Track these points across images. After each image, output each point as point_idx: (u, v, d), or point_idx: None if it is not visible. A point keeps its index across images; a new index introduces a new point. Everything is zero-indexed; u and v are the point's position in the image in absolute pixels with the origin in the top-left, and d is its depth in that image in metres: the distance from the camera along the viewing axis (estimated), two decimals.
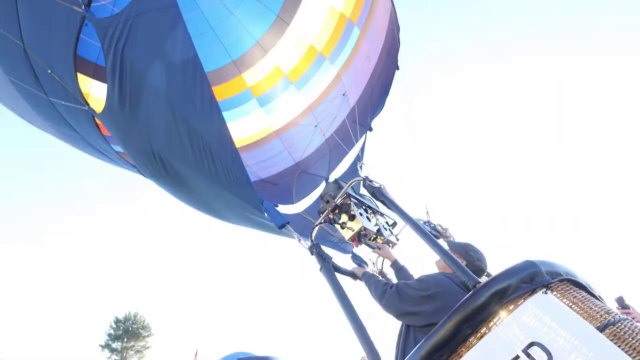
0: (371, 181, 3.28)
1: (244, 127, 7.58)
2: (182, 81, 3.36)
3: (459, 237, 3.61)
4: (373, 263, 3.89)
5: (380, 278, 3.14)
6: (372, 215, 3.44)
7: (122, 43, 3.25)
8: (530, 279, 1.92)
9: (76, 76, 3.61)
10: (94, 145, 4.27)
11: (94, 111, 3.61)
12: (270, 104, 7.68)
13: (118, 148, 4.17)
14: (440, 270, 2.82)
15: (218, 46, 7.33)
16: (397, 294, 2.52)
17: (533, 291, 1.89)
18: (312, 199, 6.00)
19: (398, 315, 2.52)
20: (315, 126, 6.95)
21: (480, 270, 2.83)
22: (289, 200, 5.87)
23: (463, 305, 1.94)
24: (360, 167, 3.63)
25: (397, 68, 5.98)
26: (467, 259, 2.75)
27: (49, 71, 3.46)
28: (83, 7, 3.28)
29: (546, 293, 1.87)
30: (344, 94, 6.54)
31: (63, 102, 3.60)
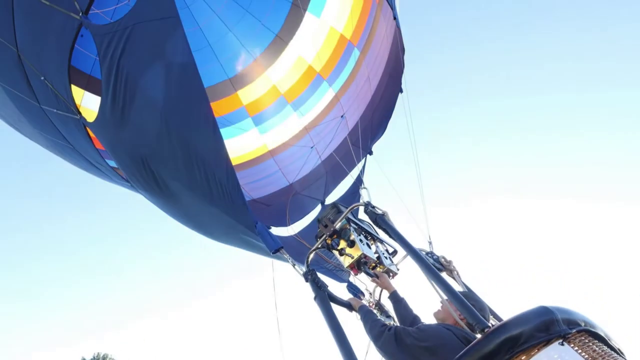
0: (374, 207, 3.25)
1: (237, 145, 7.62)
2: (178, 94, 3.38)
3: (463, 272, 3.57)
4: (370, 293, 3.83)
5: (378, 316, 3.08)
6: (372, 242, 3.41)
7: (119, 51, 3.26)
8: (545, 328, 1.79)
9: (70, 84, 3.62)
10: (85, 157, 4.24)
11: (85, 120, 3.61)
12: (265, 123, 7.76)
13: (112, 163, 4.15)
14: (439, 321, 2.71)
15: (214, 63, 7.46)
16: (394, 339, 2.40)
17: (548, 341, 1.77)
18: (307, 221, 5.97)
19: None
20: (312, 147, 7.01)
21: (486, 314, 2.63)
22: (282, 223, 5.84)
23: (470, 351, 1.83)
24: (362, 191, 3.61)
25: (401, 91, 6.09)
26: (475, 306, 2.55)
27: (42, 78, 3.48)
28: (80, 14, 3.33)
29: (563, 344, 1.77)
30: (342, 116, 6.64)
31: (55, 111, 3.60)
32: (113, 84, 3.29)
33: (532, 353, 1.75)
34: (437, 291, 2.51)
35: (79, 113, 3.64)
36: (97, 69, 5.36)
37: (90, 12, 3.54)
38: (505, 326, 1.85)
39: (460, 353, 1.85)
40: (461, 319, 2.38)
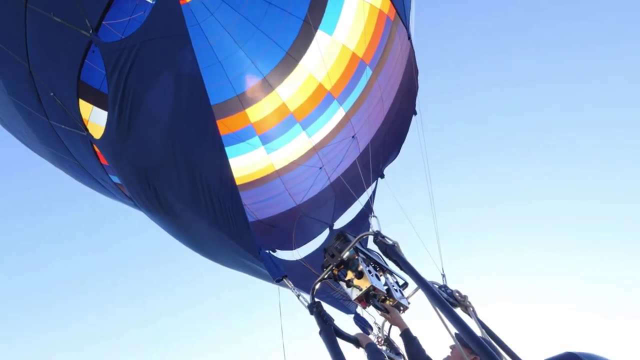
0: (384, 237, 3.21)
1: (243, 164, 7.72)
2: (185, 113, 3.48)
3: (479, 307, 3.47)
4: (379, 328, 3.78)
5: (387, 356, 3.03)
6: (381, 273, 3.37)
7: (127, 69, 3.38)
8: None
9: (78, 101, 3.76)
10: (90, 173, 4.35)
11: (92, 137, 3.73)
12: (272, 142, 7.86)
13: (116, 179, 4.24)
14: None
15: (224, 80, 7.64)
16: None
17: None
18: (314, 246, 5.98)
19: None
20: (320, 168, 7.07)
21: None
22: (288, 246, 5.86)
23: None
24: (371, 220, 3.59)
25: (415, 113, 6.12)
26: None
27: (52, 94, 3.62)
28: (91, 31, 3.48)
29: None
30: (353, 136, 6.71)
31: (63, 126, 3.73)
32: (120, 101, 3.40)
33: None
34: (448, 330, 2.45)
35: (86, 129, 3.77)
36: (106, 85, 5.54)
37: (101, 27, 3.69)
38: None
39: None
40: None
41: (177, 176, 3.42)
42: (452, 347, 2.81)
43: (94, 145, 3.94)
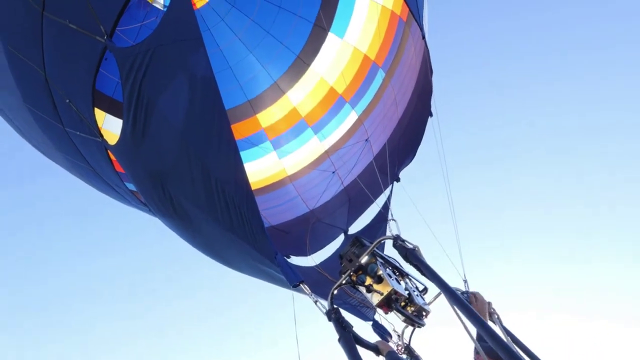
0: (403, 241, 3.15)
1: (255, 170, 7.74)
2: (200, 116, 3.51)
3: (504, 315, 3.38)
4: (398, 335, 3.73)
5: None
6: (401, 278, 3.33)
7: (142, 74, 3.42)
8: None
9: (93, 107, 3.82)
10: (105, 180, 4.41)
11: (107, 143, 3.78)
12: (284, 147, 7.89)
13: (131, 186, 4.29)
14: None
15: (234, 85, 7.70)
16: None
17: None
18: (329, 252, 5.95)
19: None
20: (333, 172, 7.07)
21: None
22: (302, 252, 5.85)
23: None
24: (390, 224, 3.54)
25: (431, 115, 6.07)
26: None
27: (68, 101, 3.68)
28: (105, 37, 3.54)
29: None
30: (366, 140, 6.69)
31: (78, 133, 3.79)
32: (134, 107, 3.44)
33: None
34: (471, 337, 2.39)
35: (101, 136, 3.82)
36: (119, 92, 5.62)
37: (116, 32, 3.75)
38: None
39: None
40: None
41: (191, 181, 3.45)
42: (476, 356, 2.75)
43: (109, 152, 3.99)
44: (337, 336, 2.81)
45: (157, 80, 3.43)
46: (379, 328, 4.09)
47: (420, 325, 3.25)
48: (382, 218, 5.96)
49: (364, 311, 4.52)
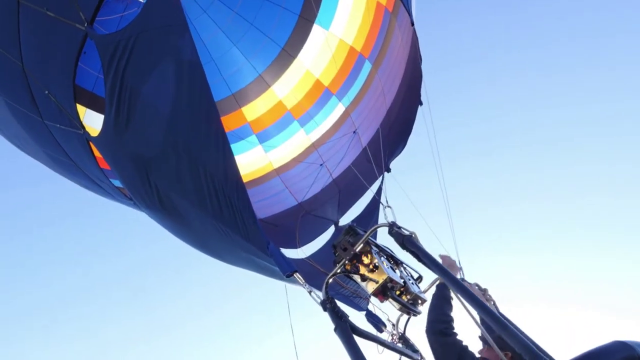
0: (399, 228, 3.11)
1: (240, 164, 7.65)
2: (187, 103, 3.41)
3: (500, 302, 3.37)
4: (393, 325, 3.73)
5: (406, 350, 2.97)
6: (395, 266, 3.28)
7: (124, 61, 3.30)
8: None
9: (74, 98, 3.70)
10: (87, 174, 4.28)
11: (89, 135, 3.67)
12: (270, 141, 7.83)
13: (117, 183, 4.17)
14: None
15: (218, 78, 7.60)
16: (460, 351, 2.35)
17: None
18: (319, 244, 5.92)
19: None
20: (321, 165, 7.04)
21: None
22: (292, 244, 5.81)
23: None
24: (386, 211, 3.51)
25: (421, 103, 6.07)
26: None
27: (46, 92, 3.56)
28: (85, 24, 3.41)
29: None
30: (354, 132, 6.68)
31: (58, 126, 3.67)
32: (117, 96, 3.33)
33: None
34: (474, 320, 2.39)
35: (83, 128, 3.71)
36: (99, 87, 5.47)
37: (96, 21, 3.63)
38: None
39: None
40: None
41: (178, 171, 3.36)
42: (485, 347, 2.74)
43: (92, 146, 3.87)
44: (332, 326, 2.75)
45: (140, 68, 3.32)
46: (372, 318, 4.08)
47: (416, 313, 3.24)
48: (373, 208, 5.95)
49: (356, 302, 4.51)
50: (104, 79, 3.41)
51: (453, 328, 2.58)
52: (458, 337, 2.57)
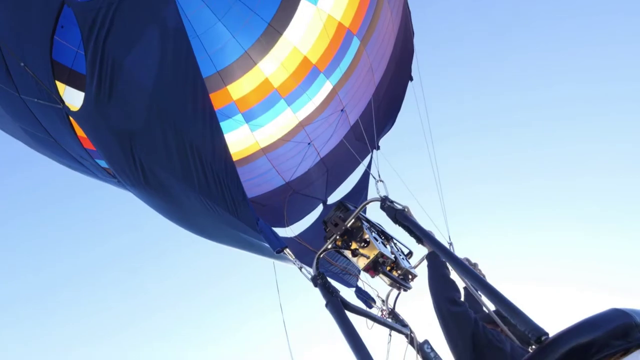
0: (392, 202, 3.12)
1: (227, 142, 7.53)
2: (172, 74, 3.28)
3: (490, 276, 3.40)
4: (382, 300, 3.76)
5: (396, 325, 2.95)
6: (386, 242, 3.32)
7: (105, 31, 3.14)
8: (623, 334, 1.62)
9: (52, 69, 3.53)
10: (69, 152, 4.13)
11: (69, 109, 3.52)
12: (256, 120, 7.71)
13: (103, 163, 4.04)
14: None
15: (203, 55, 7.39)
16: (472, 322, 2.35)
17: (627, 351, 1.60)
18: (307, 223, 5.90)
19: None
20: (309, 144, 6.97)
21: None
22: (280, 223, 5.77)
23: None
24: (378, 185, 3.48)
25: (411, 79, 5.99)
26: None
27: (22, 64, 3.39)
28: None
29: None
30: (342, 110, 6.60)
31: (36, 100, 3.50)
32: (99, 67, 3.18)
33: None
34: (470, 289, 2.40)
35: (62, 102, 3.56)
36: (79, 63, 5.25)
37: None
38: (571, 332, 1.69)
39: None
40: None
41: (163, 145, 3.25)
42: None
43: (73, 123, 3.72)
44: (324, 302, 2.75)
45: (123, 37, 3.17)
46: (362, 294, 4.10)
47: (407, 288, 3.26)
48: (362, 187, 5.93)
49: (346, 278, 4.52)
50: (84, 49, 3.26)
51: (461, 294, 2.58)
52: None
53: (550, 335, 1.81)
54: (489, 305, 2.72)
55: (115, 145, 3.44)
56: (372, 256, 2.98)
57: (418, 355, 3.10)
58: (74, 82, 5.20)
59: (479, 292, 2.56)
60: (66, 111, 3.53)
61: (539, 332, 1.86)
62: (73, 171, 4.88)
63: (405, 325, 3.43)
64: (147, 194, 3.78)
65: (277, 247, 3.11)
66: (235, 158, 7.55)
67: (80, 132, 3.90)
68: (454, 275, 2.70)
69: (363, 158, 5.96)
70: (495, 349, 2.31)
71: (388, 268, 3.14)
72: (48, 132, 3.91)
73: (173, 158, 3.29)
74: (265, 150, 7.59)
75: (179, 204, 3.66)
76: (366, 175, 5.96)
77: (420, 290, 3.30)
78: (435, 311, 2.57)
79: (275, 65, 7.39)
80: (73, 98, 4.87)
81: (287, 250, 3.14)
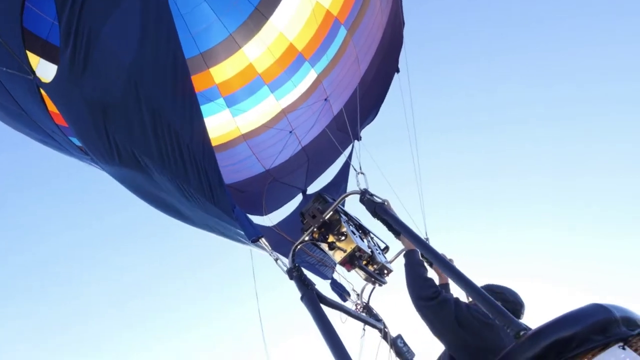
0: (371, 195, 3.09)
1: (207, 127, 7.37)
2: (152, 55, 3.15)
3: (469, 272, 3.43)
4: (357, 294, 3.75)
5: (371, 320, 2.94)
6: (364, 236, 3.30)
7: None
8: (602, 329, 1.65)
9: (22, 41, 3.34)
10: (40, 126, 3.92)
11: (40, 81, 3.34)
12: (238, 105, 7.57)
13: (76, 141, 3.85)
14: None
15: (186, 35, 7.18)
16: (453, 308, 2.39)
17: (606, 345, 1.62)
18: (286, 212, 5.83)
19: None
20: (290, 132, 6.89)
21: (518, 306, 2.67)
22: (258, 211, 5.69)
23: (512, 356, 1.70)
24: (358, 177, 3.44)
25: (397, 70, 5.96)
26: (499, 298, 2.39)
27: None
28: None
29: (624, 348, 1.60)
30: (325, 99, 6.54)
31: (5, 69, 3.30)
32: (73, 37, 3.01)
33: (586, 359, 1.62)
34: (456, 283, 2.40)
35: (33, 73, 3.37)
36: (54, 34, 5.00)
37: None
38: (551, 327, 1.71)
39: (503, 354, 1.75)
40: None
41: (140, 123, 3.10)
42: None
43: (45, 98, 3.53)
44: (299, 295, 2.72)
45: (100, 6, 3.01)
46: (337, 287, 4.08)
47: (382, 283, 3.24)
48: (342, 179, 5.90)
49: (322, 270, 4.49)
50: (57, 18, 3.08)
51: (437, 288, 2.59)
52: (445, 293, 2.58)
53: (531, 329, 1.81)
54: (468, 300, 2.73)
55: (88, 121, 3.28)
56: (349, 250, 2.95)
57: (391, 350, 3.11)
58: (49, 54, 4.96)
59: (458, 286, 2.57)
60: (37, 82, 3.34)
61: (518, 327, 1.87)
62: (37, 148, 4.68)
63: (379, 320, 3.43)
64: (120, 173, 3.64)
65: (252, 236, 3.04)
66: (215, 143, 7.39)
67: (52, 107, 3.72)
68: (431, 271, 2.71)
69: (344, 149, 5.92)
70: (483, 324, 2.35)
71: (364, 262, 3.12)
72: (18, 104, 3.71)
73: (149, 137, 3.16)
74: (246, 137, 7.47)
75: (153, 185, 3.54)
76: (347, 166, 5.93)
77: (395, 285, 3.30)
78: (415, 309, 2.59)
79: (260, 50, 7.26)
80: (47, 71, 4.65)
81: (263, 240, 3.08)
